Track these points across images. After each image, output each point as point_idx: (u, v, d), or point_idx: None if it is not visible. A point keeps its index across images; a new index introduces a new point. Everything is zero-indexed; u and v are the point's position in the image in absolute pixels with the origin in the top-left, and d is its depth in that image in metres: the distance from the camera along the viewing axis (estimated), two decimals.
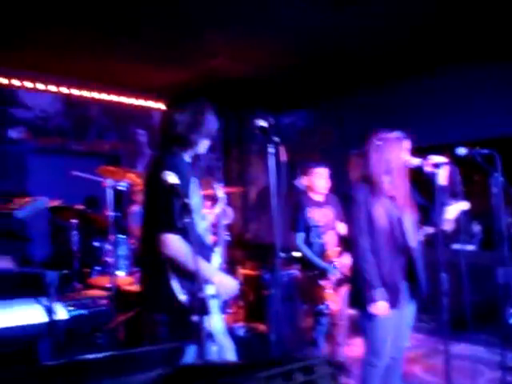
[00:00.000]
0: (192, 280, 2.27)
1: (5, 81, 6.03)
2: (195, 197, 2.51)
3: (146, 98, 7.22)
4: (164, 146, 2.59)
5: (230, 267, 5.31)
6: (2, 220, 5.01)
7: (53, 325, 2.04)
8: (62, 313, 2.14)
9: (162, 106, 7.32)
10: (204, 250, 2.52)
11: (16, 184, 6.01)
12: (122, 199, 5.54)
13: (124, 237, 5.11)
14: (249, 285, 5.22)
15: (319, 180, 4.19)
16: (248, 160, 8.03)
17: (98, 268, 5.00)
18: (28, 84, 6.18)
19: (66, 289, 4.48)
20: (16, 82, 6.11)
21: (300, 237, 4.17)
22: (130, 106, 7.09)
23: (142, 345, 3.10)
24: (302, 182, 4.41)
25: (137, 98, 7.11)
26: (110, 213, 4.78)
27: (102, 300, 4.30)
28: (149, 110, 7.34)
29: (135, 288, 4.54)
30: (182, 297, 2.35)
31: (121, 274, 4.87)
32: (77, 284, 4.82)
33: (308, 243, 4.18)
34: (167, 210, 2.31)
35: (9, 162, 6.03)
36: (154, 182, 2.39)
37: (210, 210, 3.16)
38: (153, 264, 2.44)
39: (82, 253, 5.00)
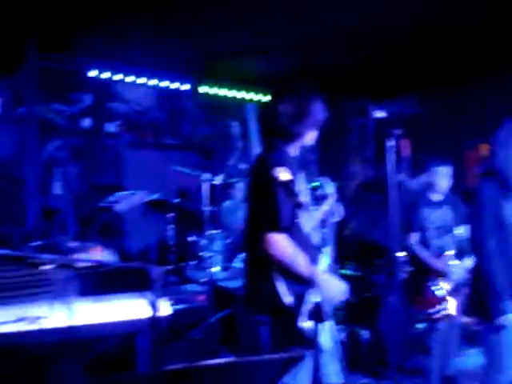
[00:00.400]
0: (299, 282, 2.26)
1: (106, 75, 6.33)
2: (302, 193, 2.48)
3: (240, 89, 7.29)
4: (267, 141, 2.56)
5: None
6: (101, 214, 5.30)
7: (156, 320, 2.08)
8: (165, 308, 2.18)
9: (256, 97, 7.36)
10: (311, 251, 2.49)
11: (113, 178, 6.32)
12: (216, 193, 5.66)
13: (219, 232, 5.20)
14: (350, 286, 5.11)
15: (441, 179, 4.07)
16: (346, 152, 7.89)
17: (193, 263, 5.13)
18: (128, 78, 6.44)
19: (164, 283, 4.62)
20: (116, 76, 6.39)
21: (414, 237, 4.11)
22: (224, 97, 7.19)
23: (242, 344, 3.12)
24: (420, 179, 4.31)
25: (230, 89, 7.20)
26: (206, 207, 4.89)
27: (199, 295, 4.40)
28: (242, 101, 7.41)
29: (231, 284, 4.60)
30: (288, 299, 2.31)
31: (216, 269, 4.96)
32: (173, 278, 4.96)
33: (423, 244, 4.10)
34: (274, 208, 2.30)
35: (106, 155, 6.34)
36: (260, 179, 2.38)
37: (317, 206, 3.11)
38: (257, 263, 2.43)
39: (177, 247, 5.14)
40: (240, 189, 6.01)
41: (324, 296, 2.42)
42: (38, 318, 1.97)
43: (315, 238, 2.59)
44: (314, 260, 2.46)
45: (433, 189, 4.10)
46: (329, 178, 3.27)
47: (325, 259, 2.60)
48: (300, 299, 2.31)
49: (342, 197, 3.13)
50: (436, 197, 4.12)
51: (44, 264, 2.11)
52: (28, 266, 2.02)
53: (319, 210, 3.06)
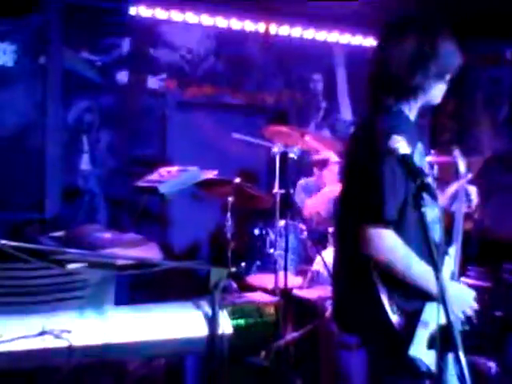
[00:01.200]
0: (411, 295, 2.24)
1: (147, 12, 6.39)
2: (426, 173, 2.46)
3: (323, 29, 7.21)
4: (375, 99, 2.53)
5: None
6: (141, 196, 5.43)
7: (214, 339, 2.12)
8: (226, 325, 2.21)
9: (347, 39, 7.28)
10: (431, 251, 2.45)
11: (156, 149, 6.45)
12: (292, 170, 5.65)
13: (294, 222, 5.21)
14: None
15: None
16: (470, 117, 7.71)
17: (258, 263, 5.18)
18: (176, 15, 6.49)
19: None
20: (161, 14, 6.44)
21: None
22: (302, 41, 7.12)
23: (323, 375, 3.12)
24: None
25: (309, 28, 7.13)
26: (278, 190, 4.90)
27: (267, 308, 4.45)
28: (327, 45, 7.34)
29: (309, 293, 4.62)
30: (394, 318, 2.29)
31: (289, 272, 4.99)
32: (232, 284, 5.03)
33: None
34: (384, 193, 2.27)
35: (148, 119, 6.47)
36: (366, 152, 2.35)
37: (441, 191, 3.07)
38: (353, 267, 2.44)
39: (238, 242, 5.20)
40: (323, 164, 6.00)
41: (452, 313, 2.39)
42: (65, 331, 2.04)
43: (437, 234, 2.54)
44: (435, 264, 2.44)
45: None
46: (459, 152, 3.21)
47: (449, 263, 2.59)
48: (412, 318, 2.29)
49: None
50: None
51: (71, 262, 2.17)
52: (51, 264, 2.08)
53: (444, 195, 3.03)
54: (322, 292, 4.51)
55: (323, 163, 5.89)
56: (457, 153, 3.23)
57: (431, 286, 2.23)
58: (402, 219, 2.33)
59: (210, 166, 4.97)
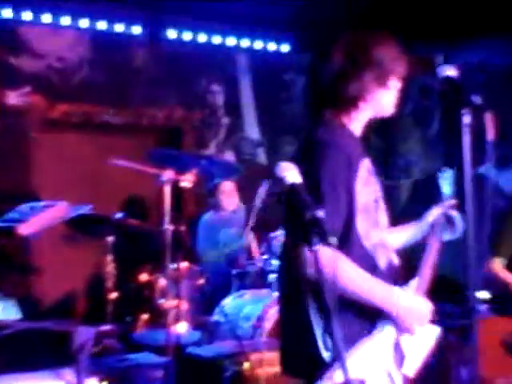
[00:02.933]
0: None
1: (7, 13, 6.25)
2: (369, 192, 2.60)
3: (224, 32, 7.27)
4: (315, 113, 2.69)
5: None
6: None
7: None
8: None
9: (253, 44, 7.38)
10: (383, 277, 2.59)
11: (17, 179, 6.27)
12: (186, 203, 5.62)
13: (190, 266, 5.22)
14: None
15: None
16: (398, 133, 7.89)
17: (146, 316, 5.13)
18: (44, 16, 6.38)
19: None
20: (25, 15, 6.31)
21: (499, 263, 4.43)
22: (197, 46, 7.16)
23: None
24: None
25: (209, 32, 7.18)
26: (168, 226, 4.87)
27: (155, 371, 4.39)
28: (227, 51, 7.40)
29: (207, 351, 4.60)
30: (325, 354, 2.40)
31: (182, 327, 4.96)
32: (113, 343, 4.95)
33: None
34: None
35: (6, 142, 6.29)
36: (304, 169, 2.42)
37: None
38: (292, 296, 2.58)
39: (120, 292, 5.13)
40: (229, 193, 6.01)
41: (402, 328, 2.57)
42: None
43: (382, 260, 2.67)
44: None
45: None
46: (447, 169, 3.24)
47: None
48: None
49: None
50: None
51: None
52: None
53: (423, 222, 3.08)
54: (222, 348, 4.49)
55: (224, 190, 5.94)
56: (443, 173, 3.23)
57: (379, 297, 2.49)
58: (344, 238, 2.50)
59: (86, 198, 4.90)
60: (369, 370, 2.50)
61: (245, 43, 7.36)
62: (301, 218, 2.02)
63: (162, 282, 5.13)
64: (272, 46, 7.42)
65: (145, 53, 6.96)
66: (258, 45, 7.41)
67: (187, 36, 7.05)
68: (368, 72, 2.60)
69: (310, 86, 2.67)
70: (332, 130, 2.59)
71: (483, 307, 5.10)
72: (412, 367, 2.64)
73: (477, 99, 2.20)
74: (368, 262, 2.55)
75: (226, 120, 7.50)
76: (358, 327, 2.51)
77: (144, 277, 5.26)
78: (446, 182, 3.03)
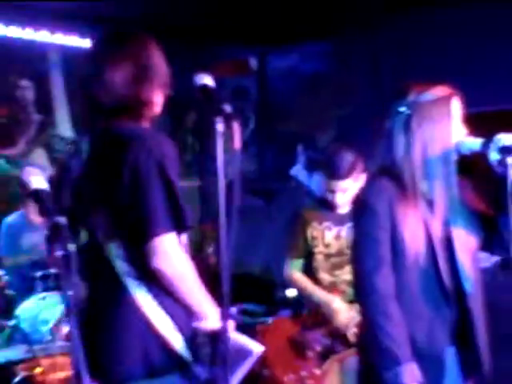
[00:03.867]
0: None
1: None
2: None
3: (30, 26, 7.10)
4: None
5: None
6: None
7: None
8: None
9: (60, 39, 7.24)
10: None
11: None
12: None
13: None
14: None
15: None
16: (204, 134, 7.95)
17: None
18: None
19: None
20: None
21: (297, 265, 4.53)
22: (5, 40, 6.96)
23: None
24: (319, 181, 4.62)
25: (11, 25, 6.98)
26: None
27: None
28: (38, 46, 7.25)
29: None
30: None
31: None
32: None
33: (311, 274, 4.48)
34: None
35: None
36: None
37: None
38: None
39: None
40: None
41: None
42: None
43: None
44: None
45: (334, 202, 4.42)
46: None
47: None
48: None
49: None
50: (341, 209, 4.45)
51: None
52: None
53: None
54: (14, 353, 4.43)
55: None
56: None
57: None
58: None
59: None
60: None
61: (58, 39, 7.20)
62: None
63: None
64: (85, 42, 7.29)
65: None
66: (70, 41, 7.26)
67: None
68: (154, 77, 2.73)
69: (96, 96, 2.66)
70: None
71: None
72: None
73: (228, 108, 2.24)
74: None
75: (36, 117, 7.31)
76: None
77: None
78: None
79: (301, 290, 4.57)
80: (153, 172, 2.51)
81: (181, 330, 2.59)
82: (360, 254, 3.01)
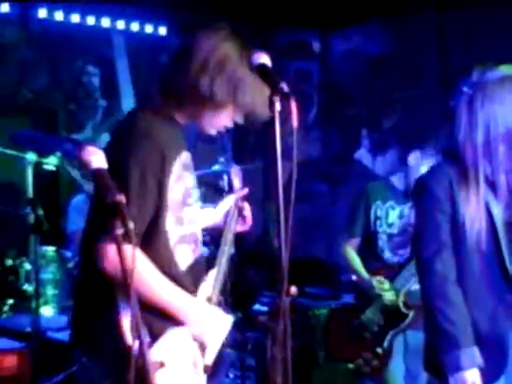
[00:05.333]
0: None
1: None
2: (179, 188, 2.60)
3: (93, 13, 7.15)
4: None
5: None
6: None
7: None
8: None
9: (123, 25, 7.30)
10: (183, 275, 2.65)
11: None
12: (52, 186, 5.55)
13: (53, 249, 5.17)
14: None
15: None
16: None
17: (11, 302, 5.07)
18: None
19: None
20: None
21: (351, 244, 4.66)
22: (69, 26, 7.03)
23: None
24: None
25: (84, 13, 7.07)
26: (30, 210, 4.81)
27: (16, 353, 4.35)
28: (103, 32, 7.31)
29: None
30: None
31: (47, 311, 4.94)
32: None
33: (368, 255, 4.60)
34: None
35: None
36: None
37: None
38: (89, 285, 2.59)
39: None
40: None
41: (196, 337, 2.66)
42: None
43: (187, 254, 2.71)
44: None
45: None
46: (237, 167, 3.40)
47: (205, 288, 2.78)
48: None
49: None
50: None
51: None
52: None
53: (213, 211, 3.25)
54: None
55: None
56: (234, 168, 3.50)
57: (175, 306, 2.55)
58: (149, 236, 2.52)
59: None
60: (173, 356, 2.56)
61: (120, 25, 7.26)
62: (103, 202, 1.98)
63: (27, 266, 5.06)
64: (149, 28, 7.34)
65: (15, 32, 6.79)
66: (135, 26, 7.31)
67: (59, 16, 6.91)
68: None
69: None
70: (150, 118, 2.60)
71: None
72: (211, 356, 2.76)
73: (285, 87, 2.22)
74: (170, 263, 2.59)
75: (103, 102, 7.41)
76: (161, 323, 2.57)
77: (9, 261, 5.17)
78: (235, 175, 3.22)
79: (352, 270, 4.63)
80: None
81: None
82: (421, 238, 3.01)
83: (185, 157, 2.64)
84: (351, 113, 7.78)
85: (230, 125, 2.75)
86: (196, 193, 2.77)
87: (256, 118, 2.65)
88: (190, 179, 2.69)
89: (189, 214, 2.70)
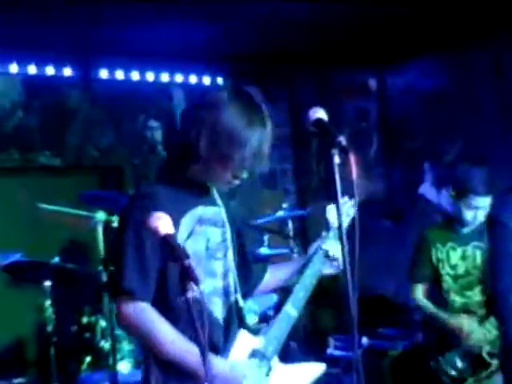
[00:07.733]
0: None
1: None
2: (195, 241, 2.64)
3: (159, 69, 7.30)
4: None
5: None
6: None
7: None
8: None
9: (186, 79, 7.42)
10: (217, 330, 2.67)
11: None
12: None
13: None
14: None
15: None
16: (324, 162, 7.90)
17: (89, 359, 5.10)
18: None
19: None
20: None
21: (418, 290, 4.58)
22: (130, 83, 7.17)
23: None
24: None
25: (143, 70, 7.20)
26: (101, 268, 4.88)
27: None
28: (164, 87, 7.43)
29: None
30: None
31: (124, 366, 4.96)
32: None
33: (441, 297, 4.50)
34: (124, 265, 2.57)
35: None
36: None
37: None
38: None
39: (60, 336, 5.08)
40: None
41: None
42: None
43: (218, 307, 2.72)
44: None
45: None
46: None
47: (252, 340, 2.73)
48: None
49: None
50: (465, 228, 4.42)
51: None
52: None
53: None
54: None
55: None
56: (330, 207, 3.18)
57: (191, 364, 2.49)
58: (165, 297, 2.59)
59: (17, 246, 4.88)
60: None
61: (179, 78, 7.36)
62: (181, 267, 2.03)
63: (102, 323, 5.11)
64: (207, 80, 7.43)
65: (79, 94, 6.92)
66: (193, 79, 7.41)
67: (120, 74, 7.05)
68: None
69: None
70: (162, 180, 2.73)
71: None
72: None
73: (343, 140, 2.26)
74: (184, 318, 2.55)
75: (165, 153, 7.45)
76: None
77: (84, 319, 5.23)
78: (332, 215, 3.06)
79: (426, 316, 4.55)
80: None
81: None
82: (496, 271, 2.98)
83: (200, 211, 2.69)
84: (412, 147, 7.72)
85: (232, 181, 2.75)
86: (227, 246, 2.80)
87: (256, 171, 2.72)
88: (211, 230, 2.72)
89: (218, 264, 2.74)
